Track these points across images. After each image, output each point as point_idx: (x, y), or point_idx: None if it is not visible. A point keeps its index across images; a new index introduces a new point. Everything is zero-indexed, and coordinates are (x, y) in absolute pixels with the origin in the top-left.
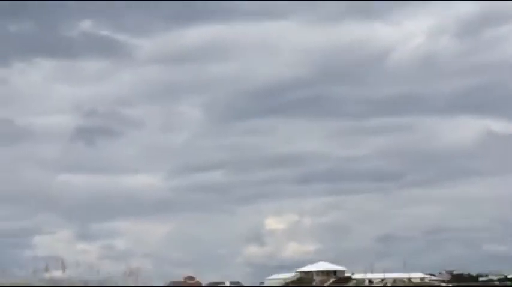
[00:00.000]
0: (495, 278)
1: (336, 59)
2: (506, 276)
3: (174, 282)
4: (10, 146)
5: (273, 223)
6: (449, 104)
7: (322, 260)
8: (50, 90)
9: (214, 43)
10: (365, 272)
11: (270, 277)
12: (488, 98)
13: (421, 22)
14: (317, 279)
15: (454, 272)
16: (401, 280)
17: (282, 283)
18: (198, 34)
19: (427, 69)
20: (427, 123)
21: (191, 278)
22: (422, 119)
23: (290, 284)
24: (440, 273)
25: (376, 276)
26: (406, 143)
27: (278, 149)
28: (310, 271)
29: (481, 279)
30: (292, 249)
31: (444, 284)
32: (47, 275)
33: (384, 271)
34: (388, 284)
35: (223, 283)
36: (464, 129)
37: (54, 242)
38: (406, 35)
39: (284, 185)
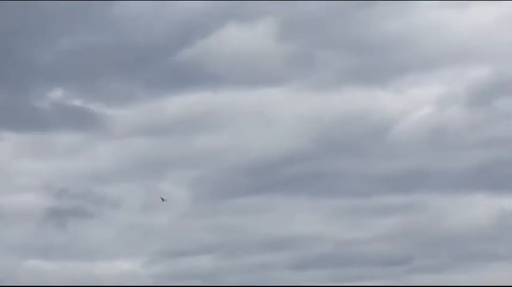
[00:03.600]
0: None
1: (336, 131)
2: None
3: None
4: None
5: None
6: (461, 181)
7: None
8: (17, 167)
9: (201, 113)
10: None
11: None
12: (504, 174)
13: (428, 90)
14: None
15: None
16: None
17: None
18: (183, 103)
19: (435, 143)
20: (436, 203)
21: None
22: (431, 197)
23: None
24: None
25: None
26: (413, 224)
27: (272, 230)
28: None
29: None
30: None
31: None
32: None
33: None
34: None
35: None
36: (478, 209)
37: None
38: (411, 104)
39: (278, 271)
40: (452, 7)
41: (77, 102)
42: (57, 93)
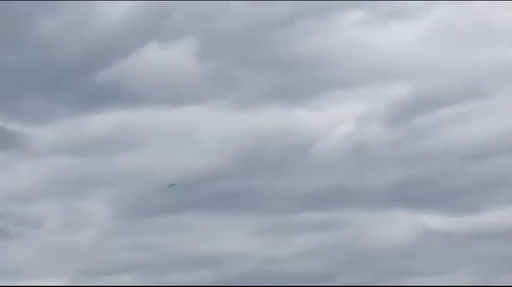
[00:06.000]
0: None
1: (257, 149)
2: None
3: None
4: None
5: None
6: (382, 198)
7: None
8: None
9: (121, 132)
10: None
11: None
12: (423, 191)
13: (348, 108)
14: None
15: None
16: None
17: None
18: (103, 122)
19: (356, 160)
20: (358, 220)
21: None
22: (353, 214)
23: None
24: None
25: None
26: (336, 241)
27: (196, 249)
28: None
29: None
30: None
31: None
32: None
33: None
34: None
35: None
36: (399, 226)
37: None
38: (332, 122)
39: None
40: (371, 25)
41: None
42: None
